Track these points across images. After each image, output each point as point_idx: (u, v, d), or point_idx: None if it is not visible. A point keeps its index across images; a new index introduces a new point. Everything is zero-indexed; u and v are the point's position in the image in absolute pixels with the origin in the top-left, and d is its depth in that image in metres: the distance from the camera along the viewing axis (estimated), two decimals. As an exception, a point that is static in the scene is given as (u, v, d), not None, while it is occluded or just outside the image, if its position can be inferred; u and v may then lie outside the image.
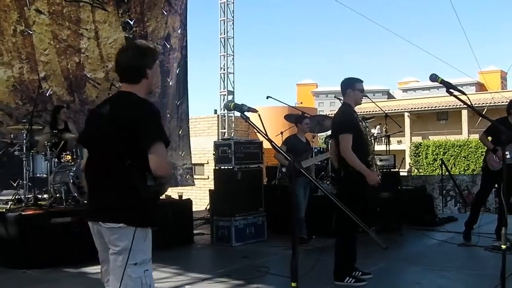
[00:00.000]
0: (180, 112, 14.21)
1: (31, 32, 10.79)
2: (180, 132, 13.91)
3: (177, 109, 14.07)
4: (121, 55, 3.65)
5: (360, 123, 6.63)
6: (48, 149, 8.68)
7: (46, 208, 8.15)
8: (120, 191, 3.39)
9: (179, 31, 13.78)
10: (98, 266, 3.75)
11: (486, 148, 9.19)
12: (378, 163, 6.69)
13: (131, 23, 12.44)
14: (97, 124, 3.58)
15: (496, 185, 9.39)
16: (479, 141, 9.50)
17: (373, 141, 6.89)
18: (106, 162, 3.44)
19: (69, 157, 8.96)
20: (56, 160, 8.82)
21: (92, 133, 3.61)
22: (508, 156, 8.75)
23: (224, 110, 18.23)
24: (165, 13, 13.19)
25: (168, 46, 13.35)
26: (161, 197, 3.70)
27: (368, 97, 10.22)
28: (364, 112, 8.93)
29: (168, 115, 13.48)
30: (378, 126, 43.44)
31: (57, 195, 8.50)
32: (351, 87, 6.60)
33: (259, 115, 3.72)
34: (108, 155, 3.42)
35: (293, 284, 3.07)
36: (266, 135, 3.52)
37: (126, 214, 3.34)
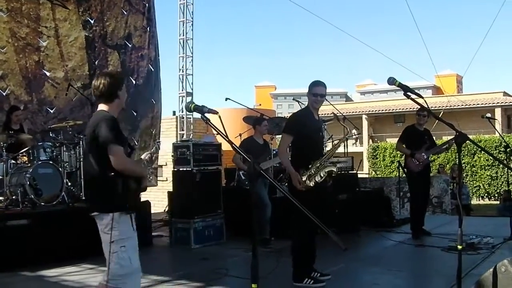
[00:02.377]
0: (156, 111, 14.15)
1: (-13, 30, 10.60)
2: (153, 132, 13.84)
3: (152, 108, 13.99)
4: (97, 81, 4.49)
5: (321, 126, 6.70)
6: (4, 150, 8.53)
7: (2, 210, 8.01)
8: (95, 187, 4.39)
9: (148, 28, 13.71)
10: (55, 269, 3.89)
11: (404, 155, 9.96)
12: (333, 169, 6.63)
13: (92, 22, 12.32)
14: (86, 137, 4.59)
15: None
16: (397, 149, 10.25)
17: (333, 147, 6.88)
18: (89, 166, 4.41)
19: (25, 158, 8.82)
20: (12, 161, 8.68)
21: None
22: (425, 157, 9.54)
23: (183, 112, 18.15)
24: (125, 12, 13.09)
25: (130, 45, 13.26)
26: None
27: (326, 100, 10.28)
28: (322, 114, 8.95)
29: (135, 115, 13.36)
30: (353, 130, 43.79)
31: (13, 197, 8.32)
32: (308, 91, 6.69)
33: (219, 117, 3.71)
34: (90, 161, 4.38)
35: (254, 286, 3.06)
36: (227, 136, 3.52)
37: (102, 204, 4.29)
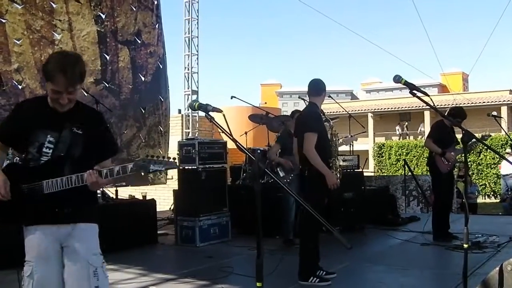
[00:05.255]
0: (164, 108, 14.15)
1: (3, 21, 10.56)
2: (162, 129, 13.86)
3: (161, 105, 13.98)
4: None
5: (326, 123, 6.69)
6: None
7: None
8: None
9: (156, 25, 13.71)
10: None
11: (432, 152, 9.34)
12: (342, 163, 6.67)
13: (103, 17, 12.32)
14: None
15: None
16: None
17: (337, 142, 6.88)
18: None
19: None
20: (17, 159, 8.67)
21: None
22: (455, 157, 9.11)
23: (188, 110, 18.14)
24: (134, 9, 13.09)
25: (140, 42, 13.25)
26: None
27: (332, 98, 10.29)
28: (328, 112, 8.94)
29: (143, 112, 13.35)
30: (422, 124, 43.20)
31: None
32: (325, 90, 6.75)
33: (223, 115, 3.70)
34: None
35: (258, 284, 3.05)
36: (231, 135, 3.51)
37: None
